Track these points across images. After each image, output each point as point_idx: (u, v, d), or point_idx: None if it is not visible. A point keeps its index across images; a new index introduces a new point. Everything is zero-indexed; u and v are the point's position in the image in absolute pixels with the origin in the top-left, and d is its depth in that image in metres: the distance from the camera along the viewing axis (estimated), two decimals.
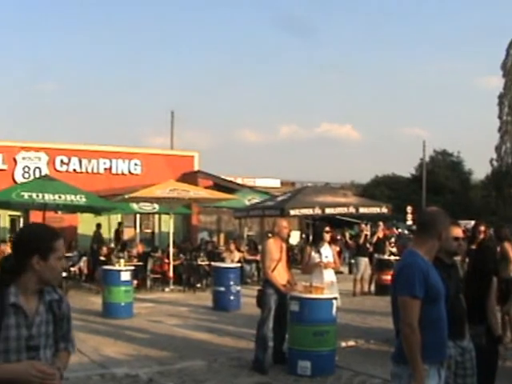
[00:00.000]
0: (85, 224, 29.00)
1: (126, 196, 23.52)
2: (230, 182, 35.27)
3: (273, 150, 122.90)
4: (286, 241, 12.16)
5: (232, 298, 17.74)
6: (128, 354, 11.69)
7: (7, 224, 30.81)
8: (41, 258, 3.69)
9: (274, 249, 10.78)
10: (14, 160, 30.61)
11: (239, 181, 41.98)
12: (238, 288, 18.08)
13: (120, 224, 30.85)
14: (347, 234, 34.58)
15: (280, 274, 10.67)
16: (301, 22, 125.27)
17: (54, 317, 3.84)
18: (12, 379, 3.52)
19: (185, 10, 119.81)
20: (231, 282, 17.83)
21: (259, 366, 10.37)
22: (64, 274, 21.45)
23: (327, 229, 11.93)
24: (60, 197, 20.63)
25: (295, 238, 34.43)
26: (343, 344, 12.07)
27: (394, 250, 23.13)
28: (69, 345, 3.99)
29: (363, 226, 23.71)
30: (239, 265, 20.43)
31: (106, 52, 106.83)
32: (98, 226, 28.36)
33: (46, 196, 20.36)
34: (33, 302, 3.74)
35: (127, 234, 32.29)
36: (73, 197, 20.89)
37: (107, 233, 30.65)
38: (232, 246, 24.10)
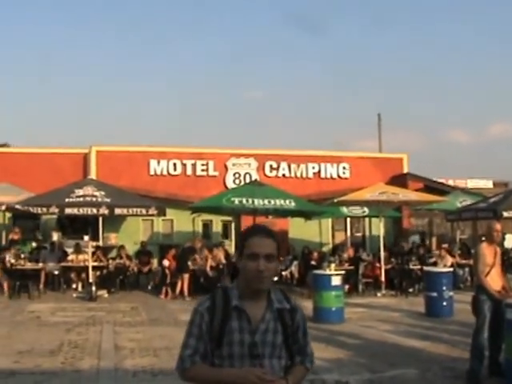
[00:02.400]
0: (295, 228, 29.28)
1: (336, 200, 23.50)
2: (441, 183, 34.37)
3: (484, 150, 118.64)
4: (501, 244, 11.56)
5: (445, 303, 17.18)
6: (338, 360, 11.54)
7: (219, 229, 31.68)
8: (239, 256, 3.60)
9: (488, 253, 10.24)
10: (225, 166, 31.47)
11: (451, 182, 40.88)
12: (451, 293, 17.47)
13: None
14: None
15: (493, 280, 10.11)
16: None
17: (284, 327, 3.65)
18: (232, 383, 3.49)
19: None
20: (444, 288, 17.27)
21: (474, 377, 9.89)
22: (275, 279, 21.84)
23: None
24: (270, 201, 20.93)
25: (510, 241, 32.92)
26: None
27: None
28: (306, 359, 3.79)
29: None
30: (451, 269, 19.74)
31: (310, 59, 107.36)
32: None
33: (256, 201, 20.75)
34: (259, 308, 3.60)
35: (338, 237, 32.28)
36: (282, 201, 21.12)
37: (318, 237, 30.82)
38: (443, 251, 23.42)
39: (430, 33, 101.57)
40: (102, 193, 20.73)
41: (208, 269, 20.64)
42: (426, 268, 20.13)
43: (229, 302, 3.55)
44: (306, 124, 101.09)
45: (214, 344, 3.56)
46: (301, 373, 3.75)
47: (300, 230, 28.83)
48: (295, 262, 24.51)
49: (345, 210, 26.95)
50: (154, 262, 24.50)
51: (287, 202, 21.20)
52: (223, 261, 21.04)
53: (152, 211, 20.96)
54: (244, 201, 20.83)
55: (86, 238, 25.98)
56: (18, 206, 20.90)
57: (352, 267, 22.17)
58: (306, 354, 3.78)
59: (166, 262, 21.70)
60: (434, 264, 22.36)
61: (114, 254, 24.85)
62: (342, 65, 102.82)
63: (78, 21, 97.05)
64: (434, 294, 17.24)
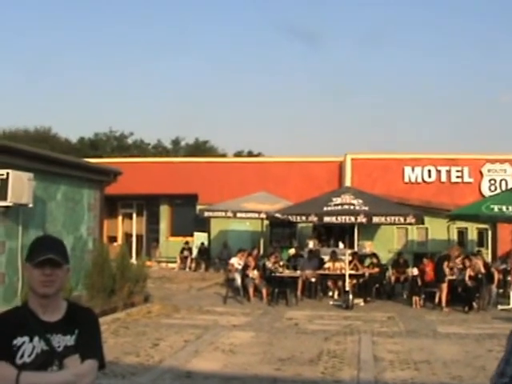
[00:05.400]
0: None
1: None
2: None
3: None
4: None
5: None
6: None
7: (475, 237, 30.82)
8: None
9: None
10: (480, 173, 30.62)
11: None
12: None
13: None
14: None
15: None
16: None
17: None
18: None
19: None
20: None
21: None
22: None
23: None
24: None
25: None
26: None
27: None
28: None
29: None
30: None
31: None
32: None
33: None
34: None
35: None
36: None
37: None
38: None
39: None
40: (360, 201, 20.80)
41: (467, 278, 19.97)
42: None
43: None
44: None
45: None
46: None
47: None
48: None
49: None
50: (409, 271, 24.20)
51: None
52: (482, 270, 20.27)
53: (410, 219, 20.70)
54: (504, 208, 20.16)
55: (341, 245, 26.27)
56: (277, 215, 21.51)
57: None
58: None
59: (415, 271, 21.34)
60: None
61: (367, 261, 24.86)
62: None
63: None
64: None
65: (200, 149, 64.78)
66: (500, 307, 19.92)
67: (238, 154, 63.74)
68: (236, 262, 22.33)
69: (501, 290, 21.87)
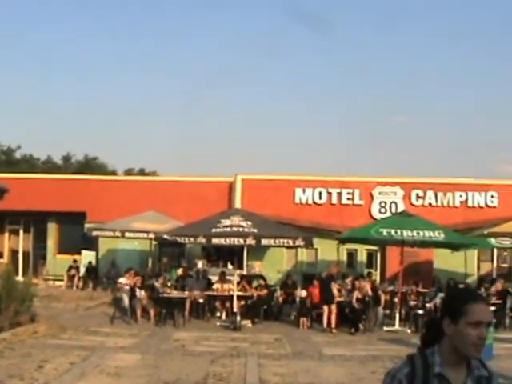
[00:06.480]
0: (440, 258, 28.54)
1: (486, 232, 22.87)
2: None
3: None
4: None
5: None
6: None
7: (364, 258, 31.31)
8: (451, 321, 3.33)
9: None
10: (371, 195, 31.16)
11: None
12: None
13: None
14: None
15: None
16: None
17: None
18: None
19: None
20: None
21: None
22: (420, 312, 21.25)
23: None
24: (418, 233, 20.74)
25: None
26: None
27: None
28: None
29: None
30: None
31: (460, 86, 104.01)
32: None
33: (404, 232, 20.52)
34: (460, 376, 3.36)
35: (483, 268, 31.15)
36: (431, 233, 20.86)
37: (463, 268, 29.89)
38: None
39: None
40: (249, 223, 20.91)
41: (354, 301, 20.25)
42: None
43: (429, 369, 3.31)
44: (450, 151, 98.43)
45: None
46: None
47: (445, 260, 28.11)
48: (440, 294, 23.69)
49: (493, 240, 26.02)
50: (298, 293, 24.39)
51: (436, 233, 20.91)
52: (370, 293, 20.64)
53: (299, 242, 20.96)
54: (392, 232, 20.66)
55: (230, 266, 26.27)
56: (166, 236, 21.38)
57: (499, 301, 21.26)
58: None
59: (303, 293, 21.56)
60: None
61: (255, 283, 24.91)
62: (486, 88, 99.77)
63: None
64: None
65: (90, 165, 63.88)
66: (385, 328, 20.31)
67: (129, 172, 63.21)
68: (124, 281, 22.02)
69: (387, 311, 22.29)
